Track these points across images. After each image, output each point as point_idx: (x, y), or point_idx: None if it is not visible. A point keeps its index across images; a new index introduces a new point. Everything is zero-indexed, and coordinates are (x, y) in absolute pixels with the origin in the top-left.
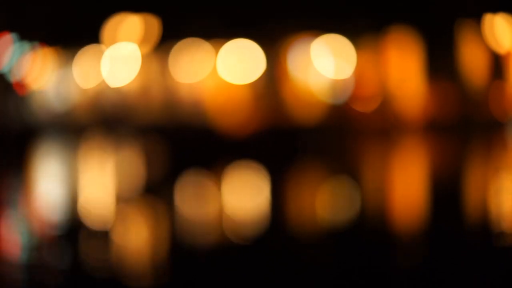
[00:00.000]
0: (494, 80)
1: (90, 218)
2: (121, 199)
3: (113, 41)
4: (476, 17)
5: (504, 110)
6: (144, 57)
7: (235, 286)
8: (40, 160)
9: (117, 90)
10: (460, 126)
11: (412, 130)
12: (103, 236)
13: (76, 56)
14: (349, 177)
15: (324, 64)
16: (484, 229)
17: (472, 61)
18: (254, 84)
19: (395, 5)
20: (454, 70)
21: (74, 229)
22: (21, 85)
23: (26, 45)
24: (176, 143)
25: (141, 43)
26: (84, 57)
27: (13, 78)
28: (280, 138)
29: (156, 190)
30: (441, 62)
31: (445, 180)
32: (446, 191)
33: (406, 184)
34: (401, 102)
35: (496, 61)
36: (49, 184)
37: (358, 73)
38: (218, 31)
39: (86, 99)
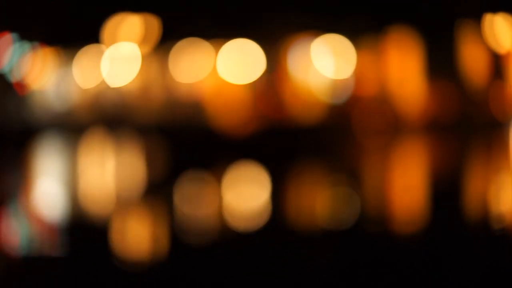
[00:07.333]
0: (494, 80)
1: (90, 217)
2: (121, 199)
3: (113, 41)
4: (476, 17)
5: (504, 110)
6: (144, 57)
7: (235, 285)
8: (40, 160)
9: (117, 90)
10: (460, 126)
11: (412, 130)
12: (103, 235)
13: (76, 56)
14: (349, 177)
15: (324, 64)
16: (484, 228)
17: (472, 61)
18: (254, 84)
19: (395, 5)
20: (454, 70)
21: (74, 228)
22: (21, 85)
23: (26, 45)
24: (176, 143)
25: (141, 43)
26: (84, 57)
27: (13, 78)
28: (280, 138)
29: (156, 190)
30: (441, 62)
31: (445, 180)
32: (446, 191)
33: (406, 184)
34: (401, 102)
35: (496, 61)
36: (49, 184)
37: (358, 73)
38: (218, 31)
39: (86, 99)
